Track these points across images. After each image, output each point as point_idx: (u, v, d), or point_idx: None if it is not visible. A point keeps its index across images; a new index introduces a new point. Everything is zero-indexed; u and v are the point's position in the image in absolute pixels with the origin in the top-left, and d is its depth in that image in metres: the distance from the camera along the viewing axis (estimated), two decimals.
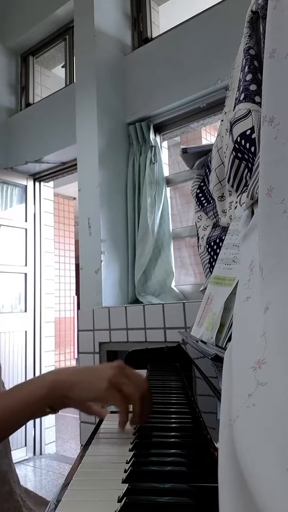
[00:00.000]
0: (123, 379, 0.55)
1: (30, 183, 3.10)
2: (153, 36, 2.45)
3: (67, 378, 0.55)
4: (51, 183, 3.24)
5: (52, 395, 0.54)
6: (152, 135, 2.25)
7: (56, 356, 5.37)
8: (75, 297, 6.12)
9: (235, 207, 1.01)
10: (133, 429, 0.57)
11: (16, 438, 2.76)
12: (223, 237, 0.92)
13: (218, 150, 1.14)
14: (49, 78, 3.38)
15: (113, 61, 2.40)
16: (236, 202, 1.00)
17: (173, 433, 0.53)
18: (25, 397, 0.54)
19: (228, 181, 1.00)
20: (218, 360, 0.49)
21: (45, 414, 0.57)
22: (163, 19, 2.57)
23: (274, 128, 0.35)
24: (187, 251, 2.94)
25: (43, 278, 3.08)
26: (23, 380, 2.87)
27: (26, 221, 3.04)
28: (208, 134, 4.11)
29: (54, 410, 0.57)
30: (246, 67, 0.86)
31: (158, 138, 2.33)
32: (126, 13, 2.53)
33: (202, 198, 1.54)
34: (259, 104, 0.82)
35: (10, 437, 0.65)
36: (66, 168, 2.94)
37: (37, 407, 0.55)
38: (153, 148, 2.23)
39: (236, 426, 0.25)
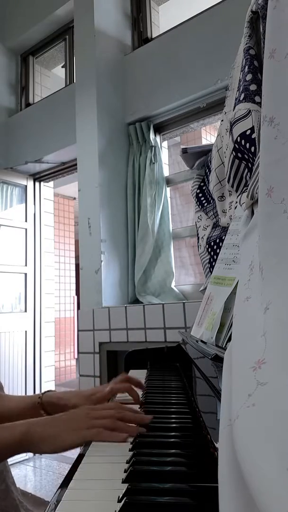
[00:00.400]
0: (95, 415, 0.56)
1: (30, 183, 3.10)
2: (153, 36, 2.45)
3: (39, 431, 0.55)
4: (51, 183, 3.24)
5: (23, 447, 0.55)
6: (152, 135, 2.25)
7: (56, 356, 5.37)
8: (75, 297, 6.11)
9: (235, 207, 1.01)
10: None
11: None
12: (223, 237, 0.92)
13: (218, 150, 1.14)
14: (49, 78, 3.38)
15: (113, 61, 2.40)
16: (236, 202, 1.00)
17: (173, 433, 0.53)
18: None
19: (228, 181, 1.00)
20: (218, 360, 0.49)
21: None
22: (163, 19, 2.57)
23: (274, 128, 0.35)
24: (187, 251, 2.94)
25: (43, 278, 3.08)
26: (23, 380, 2.87)
27: (26, 221, 3.04)
28: (208, 134, 4.11)
29: None
30: (246, 67, 0.86)
31: (158, 138, 2.33)
32: (126, 13, 2.53)
33: (202, 198, 1.54)
34: (259, 104, 0.82)
35: None
36: (66, 168, 2.94)
37: (6, 455, 0.56)
38: (153, 148, 2.23)
39: (236, 426, 0.25)
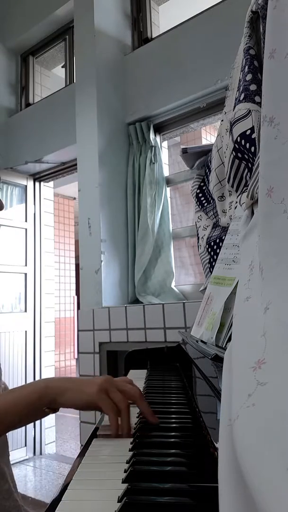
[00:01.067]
0: (113, 387, 0.57)
1: (30, 183, 3.10)
2: (153, 36, 2.45)
3: (58, 384, 0.57)
4: (51, 183, 3.24)
5: (42, 401, 0.56)
6: (152, 135, 2.25)
7: (56, 356, 5.37)
8: (75, 297, 6.11)
9: (235, 207, 1.01)
10: (133, 429, 0.57)
11: (16, 438, 2.76)
12: (223, 237, 0.92)
13: (218, 150, 1.14)
14: (49, 78, 3.38)
15: (113, 61, 2.40)
16: (236, 202, 1.00)
17: (173, 433, 0.53)
18: (15, 401, 0.56)
19: (228, 181, 1.00)
20: (218, 360, 0.49)
21: (43, 416, 0.58)
22: (163, 19, 2.57)
23: (274, 128, 0.35)
24: (187, 251, 2.94)
25: (43, 278, 3.08)
26: (23, 380, 2.87)
27: (26, 221, 3.04)
28: (208, 134, 4.11)
29: (53, 410, 0.58)
30: (246, 67, 0.86)
31: (158, 138, 2.33)
32: (126, 13, 2.53)
33: (202, 198, 1.54)
34: (259, 104, 0.82)
35: (10, 437, 0.66)
36: (66, 168, 2.94)
37: (28, 412, 0.56)
38: (153, 148, 2.23)
39: (236, 426, 0.25)
